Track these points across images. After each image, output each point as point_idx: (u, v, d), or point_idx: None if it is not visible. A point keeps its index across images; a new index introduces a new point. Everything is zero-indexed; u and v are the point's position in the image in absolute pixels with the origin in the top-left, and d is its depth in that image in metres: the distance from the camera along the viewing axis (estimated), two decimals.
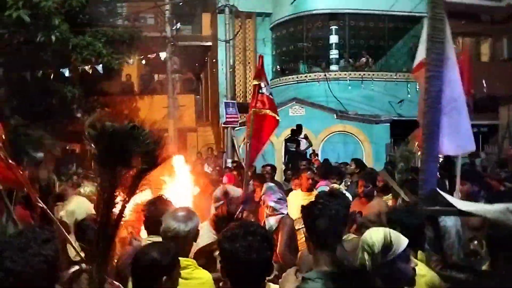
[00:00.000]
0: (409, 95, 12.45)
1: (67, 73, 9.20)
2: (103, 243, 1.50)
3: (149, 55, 11.39)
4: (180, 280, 1.91)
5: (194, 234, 2.28)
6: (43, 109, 9.58)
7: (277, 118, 4.28)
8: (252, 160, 4.48)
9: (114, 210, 1.54)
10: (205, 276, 2.19)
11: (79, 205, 3.19)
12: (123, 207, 1.57)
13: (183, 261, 2.01)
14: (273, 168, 7.38)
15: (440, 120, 2.00)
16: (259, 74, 4.46)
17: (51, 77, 9.03)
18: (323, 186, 5.15)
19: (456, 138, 2.08)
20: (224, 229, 1.72)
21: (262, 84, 4.34)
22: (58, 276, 1.49)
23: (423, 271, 2.07)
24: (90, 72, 9.26)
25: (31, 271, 1.34)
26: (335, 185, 5.07)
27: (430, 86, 1.99)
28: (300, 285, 1.85)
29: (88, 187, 3.72)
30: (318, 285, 1.81)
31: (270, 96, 4.38)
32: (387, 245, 1.72)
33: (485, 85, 12.51)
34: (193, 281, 2.10)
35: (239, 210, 3.42)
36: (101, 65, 9.36)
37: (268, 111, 4.23)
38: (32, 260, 1.35)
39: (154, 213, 2.54)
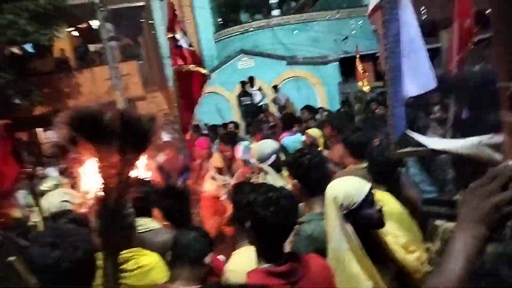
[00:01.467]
0: (353, 31, 12.53)
1: None
2: (117, 234, 1.41)
3: (79, 25, 10.59)
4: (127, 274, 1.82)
5: None
6: None
7: (203, 72, 4.00)
8: (187, 122, 4.19)
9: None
10: (153, 260, 2.03)
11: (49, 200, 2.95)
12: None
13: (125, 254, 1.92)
14: (236, 125, 7.32)
15: (400, 64, 2.01)
16: (172, 25, 4.00)
17: None
18: (289, 136, 5.16)
19: (417, 79, 2.10)
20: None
21: (178, 36, 3.96)
22: None
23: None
24: (20, 53, 8.53)
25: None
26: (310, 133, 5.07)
27: (388, 30, 1.97)
28: (298, 230, 1.95)
29: (49, 182, 3.45)
30: (313, 225, 1.99)
31: (191, 47, 4.01)
32: (348, 195, 1.77)
33: (423, 11, 12.78)
34: (140, 270, 1.97)
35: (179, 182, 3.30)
36: (29, 44, 8.62)
37: (190, 67, 3.92)
38: None
39: None
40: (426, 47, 2.13)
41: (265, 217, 1.57)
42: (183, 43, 3.97)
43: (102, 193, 1.39)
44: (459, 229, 0.87)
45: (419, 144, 1.92)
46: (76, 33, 12.16)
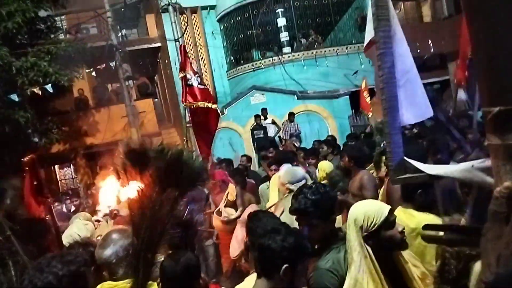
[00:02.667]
0: (362, 65, 12.76)
1: (16, 98, 8.81)
2: (146, 260, 1.52)
3: (98, 66, 11.06)
4: None
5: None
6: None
7: (213, 107, 4.19)
8: (206, 153, 4.39)
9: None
10: None
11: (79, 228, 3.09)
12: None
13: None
14: (248, 158, 7.40)
15: (396, 94, 2.10)
16: (183, 65, 4.28)
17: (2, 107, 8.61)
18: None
19: (414, 108, 2.19)
20: None
21: (188, 76, 4.21)
22: None
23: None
24: (40, 93, 8.91)
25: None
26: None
27: (383, 62, 2.07)
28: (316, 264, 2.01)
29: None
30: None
31: (200, 86, 4.25)
32: (368, 217, 1.84)
33: (431, 44, 12.99)
34: None
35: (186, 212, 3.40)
36: (50, 84, 9.00)
37: (199, 103, 4.13)
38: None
39: None
40: (420, 79, 2.23)
41: (269, 247, 1.66)
42: (193, 81, 4.20)
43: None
44: None
45: (416, 170, 1.99)
46: (94, 73, 12.64)
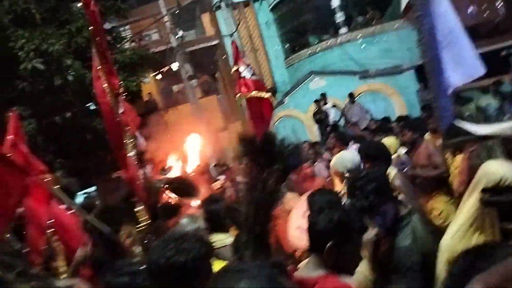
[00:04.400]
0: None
1: (92, 107, 9.60)
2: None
3: (161, 69, 11.64)
4: None
5: None
6: (80, 148, 10.03)
7: (266, 96, 4.26)
8: None
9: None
10: None
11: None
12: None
13: None
14: (310, 144, 7.38)
15: (440, 56, 2.01)
16: (236, 59, 4.45)
17: (78, 115, 9.44)
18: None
19: (461, 68, 2.07)
20: None
21: (241, 69, 4.33)
22: None
23: None
24: None
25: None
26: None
27: (421, 25, 2.00)
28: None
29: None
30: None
31: (253, 77, 4.37)
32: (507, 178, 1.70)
33: (501, 5, 11.89)
34: None
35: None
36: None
37: (253, 93, 4.22)
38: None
39: None
40: (467, 37, 2.09)
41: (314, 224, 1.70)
42: (246, 73, 4.35)
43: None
44: None
45: (467, 133, 1.89)
46: (159, 77, 13.35)
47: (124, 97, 3.63)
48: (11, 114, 3.09)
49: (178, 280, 1.52)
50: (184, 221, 2.61)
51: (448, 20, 2.10)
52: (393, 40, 12.44)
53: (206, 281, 1.55)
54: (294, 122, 12.36)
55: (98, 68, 3.29)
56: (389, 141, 5.18)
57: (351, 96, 11.21)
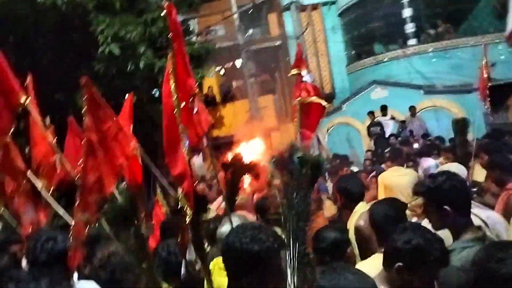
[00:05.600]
0: (502, 57, 11.38)
1: (157, 94, 10.01)
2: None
3: (225, 65, 11.87)
4: None
5: None
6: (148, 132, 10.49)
7: (323, 104, 4.22)
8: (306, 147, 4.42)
9: None
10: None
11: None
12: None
13: None
14: (372, 154, 7.19)
15: None
16: (299, 63, 4.42)
17: (144, 101, 9.88)
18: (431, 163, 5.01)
19: None
20: None
21: (303, 73, 4.32)
22: None
23: None
24: None
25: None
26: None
27: None
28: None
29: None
30: (466, 253, 1.90)
31: (314, 83, 4.35)
32: None
33: None
34: None
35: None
36: None
37: (313, 98, 4.19)
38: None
39: None
40: None
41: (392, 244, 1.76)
42: (307, 78, 4.37)
43: None
44: None
45: None
46: (222, 72, 13.63)
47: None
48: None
49: (248, 267, 1.56)
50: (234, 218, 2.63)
51: None
52: (466, 57, 11.87)
53: (273, 275, 1.61)
54: (350, 130, 12.18)
55: (169, 71, 3.48)
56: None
57: (412, 109, 10.86)
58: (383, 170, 5.07)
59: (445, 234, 2.00)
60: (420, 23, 12.82)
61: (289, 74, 4.90)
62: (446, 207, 2.00)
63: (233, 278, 1.62)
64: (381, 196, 4.29)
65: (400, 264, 1.69)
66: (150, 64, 9.26)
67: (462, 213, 2.03)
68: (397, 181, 4.32)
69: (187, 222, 2.95)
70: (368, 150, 7.29)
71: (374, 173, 5.16)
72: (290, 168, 1.75)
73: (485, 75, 8.10)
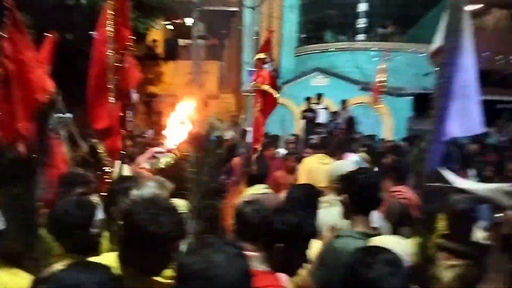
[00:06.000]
0: (437, 69, 12.13)
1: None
2: None
3: (175, 21, 11.42)
4: None
5: None
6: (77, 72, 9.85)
7: (276, 96, 4.23)
8: (260, 135, 4.43)
9: None
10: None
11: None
12: None
13: None
14: (297, 138, 7.45)
15: (448, 105, 2.12)
16: (266, 48, 4.37)
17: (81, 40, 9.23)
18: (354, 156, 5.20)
19: (464, 121, 2.19)
20: None
21: (267, 59, 4.29)
22: None
23: None
24: None
25: None
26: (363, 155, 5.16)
27: (443, 72, 2.09)
28: (330, 240, 2.09)
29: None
30: (348, 240, 2.03)
31: (273, 72, 4.32)
32: None
33: None
34: None
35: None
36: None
37: (267, 87, 4.19)
38: None
39: None
40: (479, 95, 2.21)
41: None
42: (268, 66, 4.31)
43: None
44: None
45: (447, 182, 2.03)
46: (170, 27, 13.11)
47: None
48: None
49: (139, 243, 1.52)
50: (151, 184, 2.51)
51: (467, 74, 2.20)
52: (404, 61, 12.54)
53: (162, 257, 1.53)
54: (285, 112, 12.43)
55: (108, 15, 3.24)
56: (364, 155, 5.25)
57: (344, 102, 11.32)
58: (305, 156, 5.25)
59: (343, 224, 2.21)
60: (372, 21, 13.22)
61: (254, 58, 4.78)
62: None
63: (124, 245, 1.57)
64: (302, 180, 4.47)
65: (280, 244, 1.81)
66: (93, 3, 8.63)
67: (363, 210, 2.17)
68: (319, 167, 4.47)
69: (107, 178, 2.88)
70: (293, 134, 7.48)
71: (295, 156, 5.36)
72: (204, 145, 1.79)
73: (378, 79, 8.74)
